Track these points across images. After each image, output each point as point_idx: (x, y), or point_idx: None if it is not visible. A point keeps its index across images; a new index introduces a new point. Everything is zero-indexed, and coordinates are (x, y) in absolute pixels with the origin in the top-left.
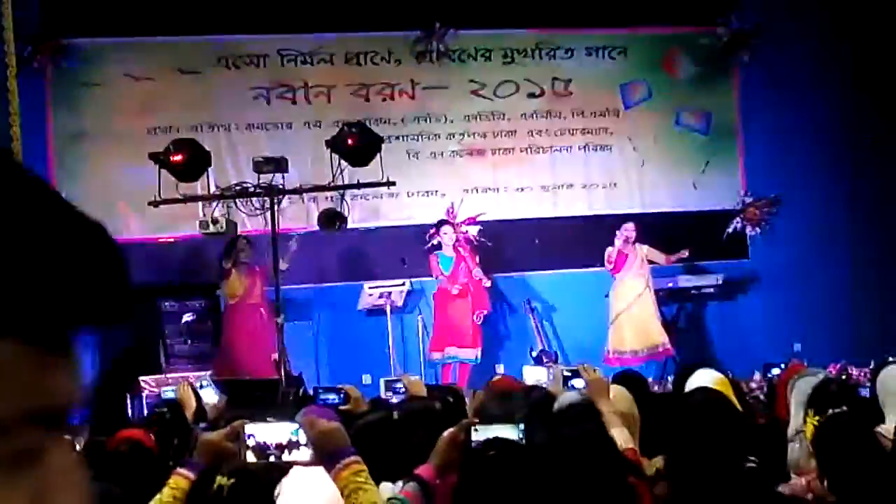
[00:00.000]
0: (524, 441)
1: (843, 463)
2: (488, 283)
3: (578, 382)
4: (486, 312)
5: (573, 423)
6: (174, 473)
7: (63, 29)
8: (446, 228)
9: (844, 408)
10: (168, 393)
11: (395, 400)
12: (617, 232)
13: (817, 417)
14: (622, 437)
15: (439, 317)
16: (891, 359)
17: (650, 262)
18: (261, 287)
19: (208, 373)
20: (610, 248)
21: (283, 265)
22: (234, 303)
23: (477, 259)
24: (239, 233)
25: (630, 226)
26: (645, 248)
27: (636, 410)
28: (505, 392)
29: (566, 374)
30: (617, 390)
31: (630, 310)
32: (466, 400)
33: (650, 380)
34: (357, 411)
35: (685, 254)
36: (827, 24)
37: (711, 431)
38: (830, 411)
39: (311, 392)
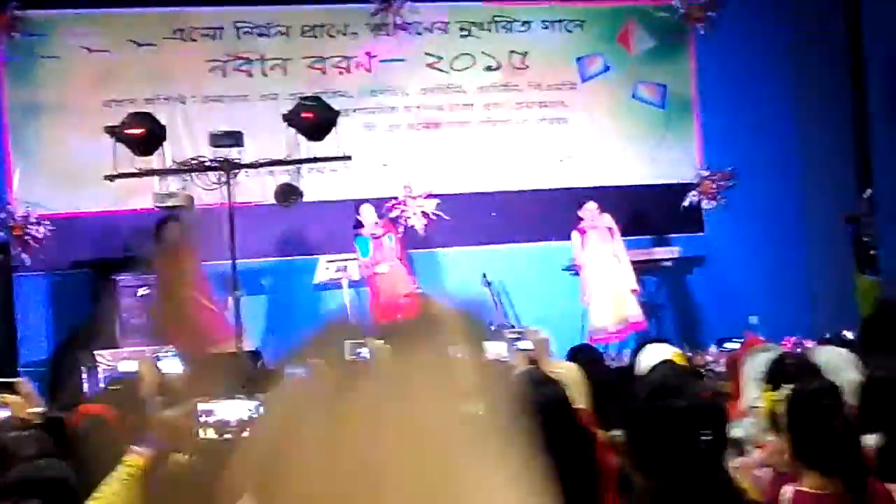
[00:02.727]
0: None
1: (816, 435)
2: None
3: (525, 344)
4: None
5: (531, 391)
6: (129, 451)
7: (17, 0)
8: (366, 206)
9: (801, 383)
10: (126, 366)
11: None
12: (579, 213)
13: (774, 393)
14: (576, 397)
15: (372, 299)
16: (845, 333)
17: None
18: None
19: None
20: (574, 240)
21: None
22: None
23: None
24: (195, 206)
25: (592, 205)
26: (606, 216)
27: (584, 388)
28: None
29: (511, 336)
30: (567, 366)
31: (602, 281)
32: None
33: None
34: None
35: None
36: None
37: (669, 405)
38: (790, 386)
39: (270, 366)
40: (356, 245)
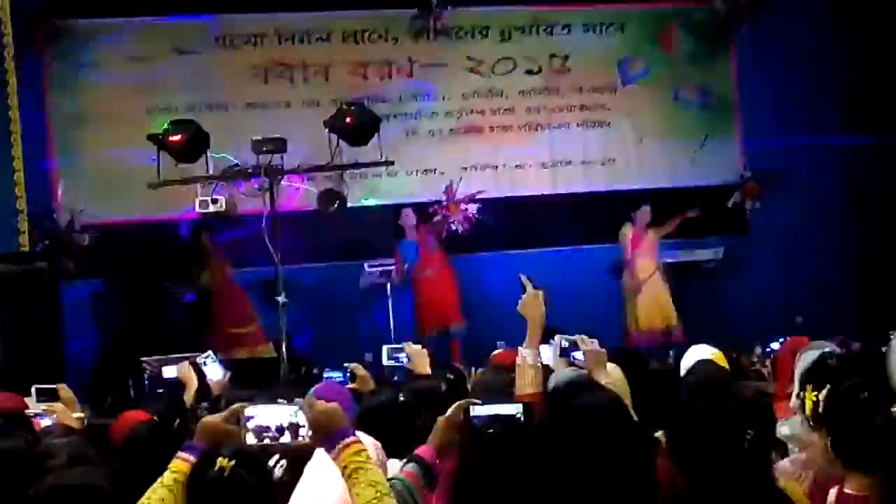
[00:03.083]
0: (523, 418)
1: (855, 434)
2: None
3: (577, 354)
4: (461, 325)
5: (583, 397)
6: (175, 457)
7: (60, 9)
8: (407, 210)
9: (846, 382)
10: (169, 372)
11: (396, 370)
12: (633, 215)
13: (815, 393)
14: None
15: (419, 301)
16: (892, 333)
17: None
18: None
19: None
20: (625, 231)
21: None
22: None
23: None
24: (239, 213)
25: (647, 209)
26: (651, 234)
27: (628, 390)
28: (503, 365)
29: (564, 344)
30: (611, 368)
31: (642, 290)
32: (467, 378)
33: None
34: (364, 390)
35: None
36: None
37: (712, 404)
38: (830, 385)
39: (315, 371)
40: (400, 250)
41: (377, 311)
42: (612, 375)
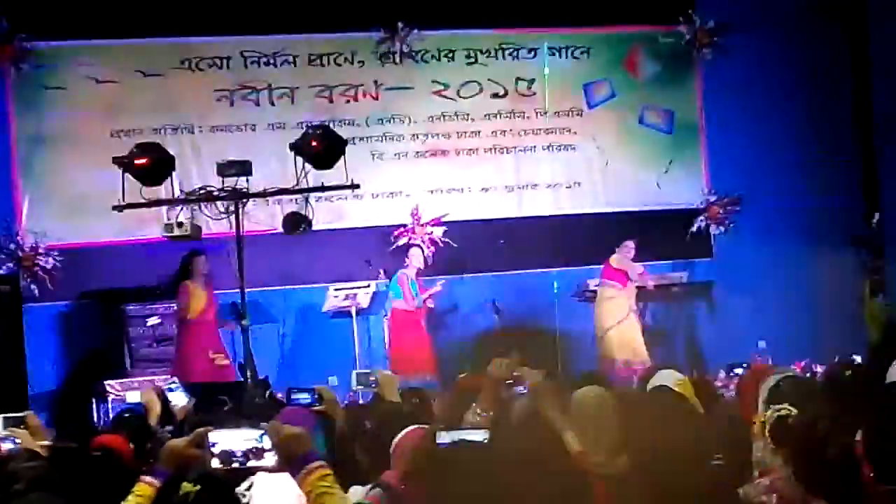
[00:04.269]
0: (489, 443)
1: (815, 462)
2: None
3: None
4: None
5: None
6: (139, 480)
7: (25, 32)
8: (415, 251)
9: (807, 411)
10: (133, 397)
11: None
12: (616, 250)
13: (777, 418)
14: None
15: (396, 339)
16: (854, 357)
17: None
18: (213, 299)
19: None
20: (615, 258)
21: None
22: (194, 318)
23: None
24: (203, 236)
25: (631, 244)
26: (639, 267)
27: (609, 409)
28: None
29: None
30: (590, 391)
31: (619, 327)
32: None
33: None
34: (331, 412)
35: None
36: (789, 20)
37: (673, 432)
38: (780, 407)
39: (278, 395)
40: (409, 285)
41: (342, 335)
42: (593, 399)
